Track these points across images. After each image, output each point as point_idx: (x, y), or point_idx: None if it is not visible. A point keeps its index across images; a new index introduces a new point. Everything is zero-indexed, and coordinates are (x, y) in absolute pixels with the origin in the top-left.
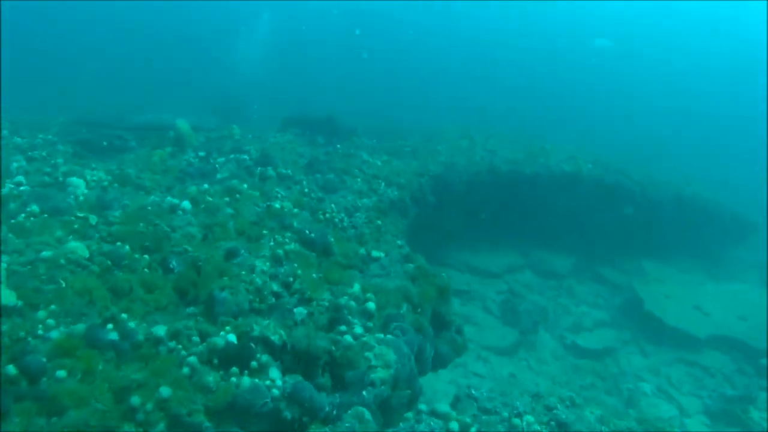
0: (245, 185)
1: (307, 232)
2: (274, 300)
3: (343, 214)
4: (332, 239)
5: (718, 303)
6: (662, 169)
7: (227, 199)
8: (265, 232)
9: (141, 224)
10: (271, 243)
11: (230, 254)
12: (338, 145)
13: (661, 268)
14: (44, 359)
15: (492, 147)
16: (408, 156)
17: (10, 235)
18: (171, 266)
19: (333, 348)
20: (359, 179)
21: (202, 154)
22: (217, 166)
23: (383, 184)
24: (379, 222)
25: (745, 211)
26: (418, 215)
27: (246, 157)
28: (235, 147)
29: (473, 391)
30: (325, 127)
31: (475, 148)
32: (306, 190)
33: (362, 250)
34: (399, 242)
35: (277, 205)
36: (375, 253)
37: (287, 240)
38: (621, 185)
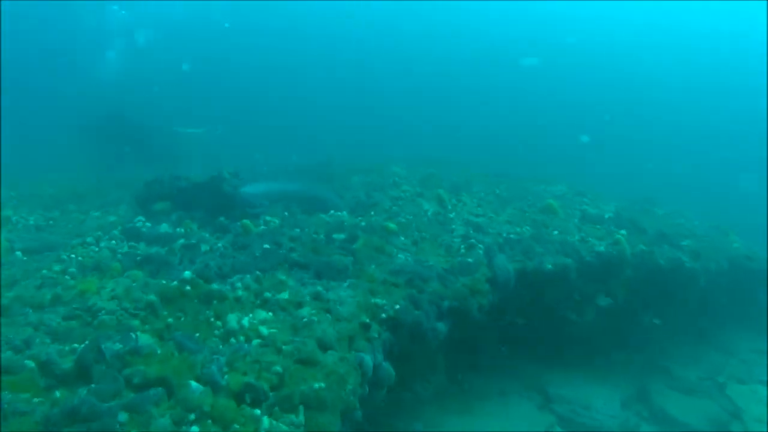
0: None
1: None
2: None
3: None
4: None
5: None
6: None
7: None
8: None
9: None
10: None
11: None
12: (187, 272)
13: (746, 390)
14: None
15: (472, 211)
16: (338, 260)
17: None
18: None
19: None
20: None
21: None
22: None
23: (266, 422)
24: None
25: None
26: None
27: None
28: None
29: None
30: (206, 197)
31: (447, 217)
32: None
33: None
34: None
35: None
36: None
37: None
38: (679, 267)
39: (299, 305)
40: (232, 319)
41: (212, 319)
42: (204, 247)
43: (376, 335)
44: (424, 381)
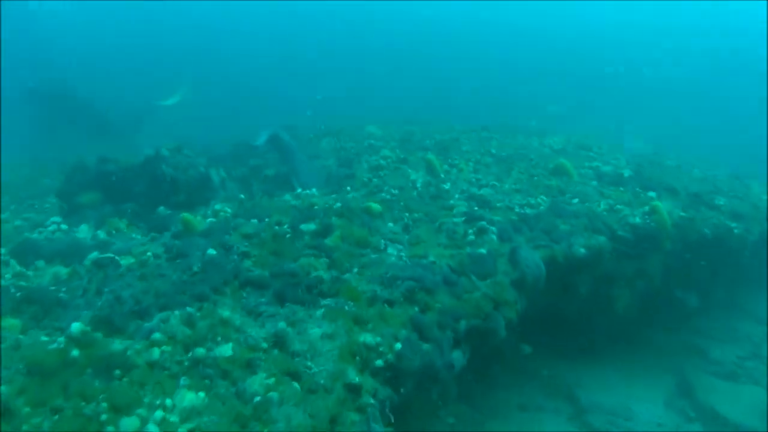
0: None
1: None
2: None
3: None
4: None
5: None
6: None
7: None
8: None
9: None
10: None
11: None
12: (76, 324)
13: None
14: None
15: (471, 179)
16: (307, 265)
17: None
18: None
19: None
20: None
21: None
22: None
23: None
24: None
25: None
26: None
27: None
28: None
29: None
30: (142, 183)
31: (442, 188)
32: None
33: None
34: None
35: None
36: None
37: None
38: (726, 236)
39: (249, 367)
40: (131, 425)
41: (104, 417)
42: (126, 261)
43: (371, 398)
44: (434, 418)
